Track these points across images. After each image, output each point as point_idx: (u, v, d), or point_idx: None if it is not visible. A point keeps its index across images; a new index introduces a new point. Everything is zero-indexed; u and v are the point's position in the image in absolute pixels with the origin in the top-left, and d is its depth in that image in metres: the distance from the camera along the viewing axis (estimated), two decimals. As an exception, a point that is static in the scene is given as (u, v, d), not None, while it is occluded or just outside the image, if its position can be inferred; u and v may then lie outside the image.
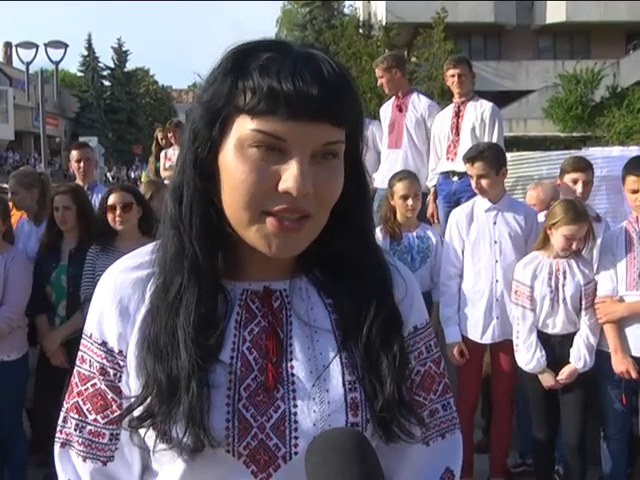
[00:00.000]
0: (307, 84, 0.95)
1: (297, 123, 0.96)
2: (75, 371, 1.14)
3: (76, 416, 1.12)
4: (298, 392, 1.06)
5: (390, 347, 1.08)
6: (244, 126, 0.97)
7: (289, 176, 0.96)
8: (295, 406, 1.05)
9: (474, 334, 4.28)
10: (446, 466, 1.19)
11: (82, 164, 5.86)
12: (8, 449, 4.13)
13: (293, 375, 1.07)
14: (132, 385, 1.07)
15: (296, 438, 1.04)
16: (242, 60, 0.99)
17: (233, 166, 0.98)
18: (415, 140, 6.13)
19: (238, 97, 0.98)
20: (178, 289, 1.05)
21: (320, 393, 1.06)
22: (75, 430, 1.12)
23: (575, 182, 4.40)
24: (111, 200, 4.20)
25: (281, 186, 0.97)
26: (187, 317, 1.03)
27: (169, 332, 1.04)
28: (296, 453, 1.03)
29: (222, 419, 1.02)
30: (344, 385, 1.07)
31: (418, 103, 6.19)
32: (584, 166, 4.47)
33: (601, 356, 4.06)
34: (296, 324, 1.10)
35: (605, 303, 3.91)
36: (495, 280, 4.22)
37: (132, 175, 38.37)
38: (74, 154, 5.94)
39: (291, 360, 1.07)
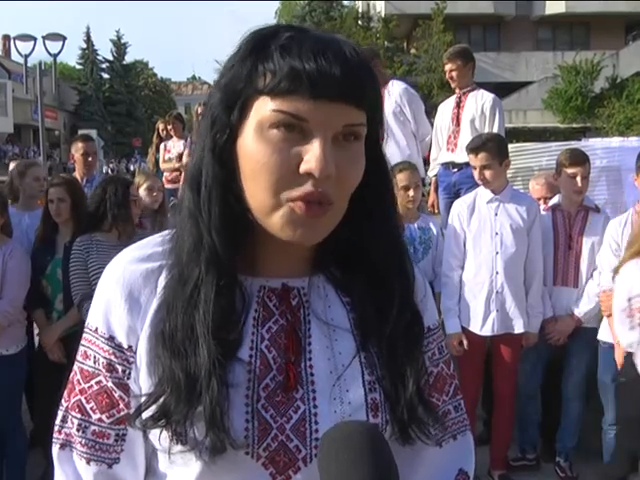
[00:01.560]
0: (330, 63, 0.92)
1: (319, 102, 0.92)
2: (76, 367, 1.08)
3: (78, 415, 1.06)
4: (318, 392, 1.02)
5: (412, 350, 1.06)
6: (264, 107, 0.94)
7: (311, 157, 0.93)
8: (315, 407, 1.01)
9: (474, 326, 4.27)
10: (459, 468, 1.17)
11: (90, 158, 5.83)
12: (7, 444, 4.09)
13: (312, 375, 1.03)
14: (142, 382, 1.02)
15: (317, 439, 1.00)
16: (262, 42, 0.96)
17: (254, 149, 0.95)
18: (393, 130, 6.02)
19: (258, 79, 0.94)
20: (196, 282, 1.00)
21: (340, 393, 1.03)
22: (77, 430, 1.06)
23: (574, 176, 4.36)
24: (134, 192, 4.27)
25: (303, 167, 0.93)
26: (206, 311, 0.98)
27: (187, 327, 0.99)
28: (317, 455, 0.98)
29: (242, 420, 0.98)
30: (364, 385, 1.04)
31: (392, 91, 6.06)
32: (582, 160, 4.40)
33: (601, 347, 4.08)
34: (314, 323, 1.06)
35: (609, 297, 3.88)
36: (495, 272, 4.20)
37: (131, 168, 38.28)
38: (80, 146, 5.83)
39: (310, 360, 1.04)
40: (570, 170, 4.34)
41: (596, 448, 4.26)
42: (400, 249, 1.10)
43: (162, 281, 1.04)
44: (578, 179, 4.33)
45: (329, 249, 1.05)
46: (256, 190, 0.96)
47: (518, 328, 4.26)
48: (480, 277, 4.24)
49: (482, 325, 4.25)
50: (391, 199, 1.11)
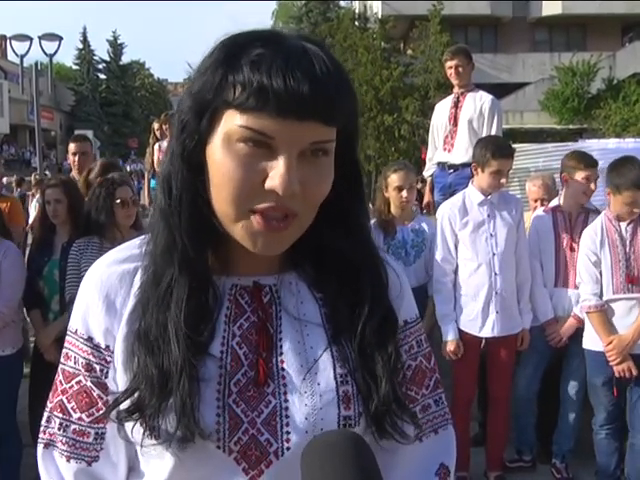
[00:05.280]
0: (298, 82, 0.92)
1: (286, 121, 0.93)
2: (59, 369, 1.12)
3: (60, 415, 1.10)
4: (289, 386, 1.05)
5: (385, 347, 1.07)
6: (232, 121, 0.95)
7: (276, 174, 0.94)
8: (286, 401, 1.04)
9: (472, 328, 4.24)
10: (440, 462, 1.18)
11: (77, 157, 5.86)
12: (1, 446, 4.07)
13: (283, 370, 1.05)
14: (119, 381, 1.05)
15: (288, 433, 1.02)
16: (234, 52, 0.97)
17: (220, 161, 0.97)
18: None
19: (228, 90, 0.95)
20: (169, 282, 1.03)
21: (311, 386, 1.04)
22: (59, 429, 1.09)
23: (588, 179, 4.39)
24: (122, 195, 4.11)
25: (268, 184, 0.95)
26: (178, 310, 1.02)
27: (160, 325, 1.02)
28: (288, 448, 1.02)
29: (212, 414, 1.00)
30: (335, 378, 1.05)
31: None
32: (594, 162, 4.46)
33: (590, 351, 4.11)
34: (285, 319, 1.08)
35: (614, 343, 3.95)
36: (494, 273, 4.19)
37: (127, 168, 38.29)
38: (71, 147, 5.93)
39: (281, 355, 1.06)
40: (585, 173, 4.37)
41: (592, 450, 4.26)
42: (371, 254, 1.12)
43: (137, 282, 1.07)
44: (592, 184, 4.37)
45: (302, 248, 1.07)
46: (220, 200, 0.99)
47: (518, 328, 4.28)
48: (478, 279, 4.21)
49: (481, 327, 4.22)
50: (364, 208, 1.13)
